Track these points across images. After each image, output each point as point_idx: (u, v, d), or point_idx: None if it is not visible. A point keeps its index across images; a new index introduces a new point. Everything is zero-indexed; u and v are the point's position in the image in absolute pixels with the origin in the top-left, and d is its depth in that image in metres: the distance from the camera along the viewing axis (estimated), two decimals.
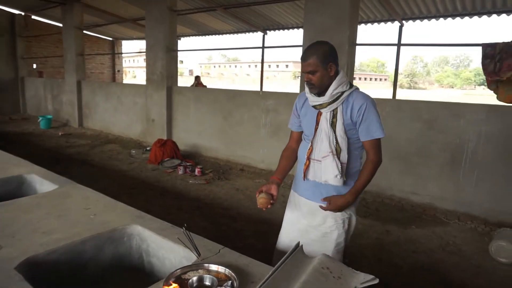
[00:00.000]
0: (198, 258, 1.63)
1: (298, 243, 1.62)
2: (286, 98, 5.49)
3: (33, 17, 12.50)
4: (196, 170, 5.63)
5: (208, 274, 1.46)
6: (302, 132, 2.09)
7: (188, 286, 1.38)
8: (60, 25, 10.52)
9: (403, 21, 7.49)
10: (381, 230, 3.75)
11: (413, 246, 3.42)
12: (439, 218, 4.10)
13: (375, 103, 1.88)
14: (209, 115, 6.63)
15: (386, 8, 6.97)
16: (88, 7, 9.84)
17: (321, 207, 1.93)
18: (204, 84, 11.78)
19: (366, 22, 8.07)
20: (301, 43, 5.15)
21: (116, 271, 1.98)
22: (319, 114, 1.90)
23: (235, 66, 68.99)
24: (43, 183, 2.77)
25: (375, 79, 67.93)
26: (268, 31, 9.86)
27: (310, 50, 1.84)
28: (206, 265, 1.52)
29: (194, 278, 1.42)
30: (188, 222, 2.33)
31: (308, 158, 1.94)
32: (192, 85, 11.02)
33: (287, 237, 2.14)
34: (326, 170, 1.87)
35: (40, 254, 1.66)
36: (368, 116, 1.82)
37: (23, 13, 12.20)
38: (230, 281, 1.42)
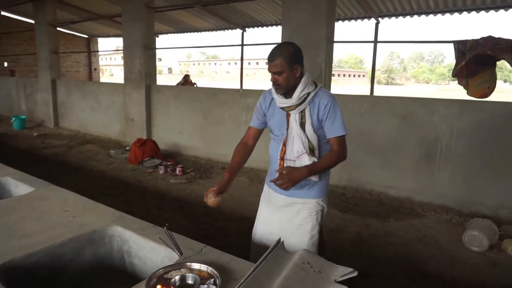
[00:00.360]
0: (180, 257, 1.63)
1: (279, 239, 1.66)
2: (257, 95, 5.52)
3: (3, 13, 12.04)
4: (177, 169, 5.59)
5: (191, 273, 1.47)
6: (260, 129, 2.17)
7: (170, 286, 1.39)
8: (32, 21, 10.18)
9: (379, 18, 7.64)
10: (360, 224, 3.84)
11: (392, 239, 3.52)
12: (416, 210, 4.23)
13: (338, 102, 1.97)
14: (189, 114, 6.58)
15: (362, 5, 7.09)
16: (62, 3, 9.57)
17: (274, 180, 1.91)
18: (194, 82, 11.40)
19: (343, 19, 8.19)
20: (279, 41, 5.18)
21: (98, 273, 1.96)
22: (288, 115, 1.97)
23: (215, 63, 68.57)
24: (18, 185, 2.70)
25: (354, 75, 68.91)
26: (247, 29, 9.86)
27: (276, 51, 1.88)
28: (188, 264, 1.53)
29: (177, 277, 1.42)
30: (170, 222, 2.32)
31: (282, 159, 2.01)
32: (178, 84, 10.77)
33: (264, 230, 2.21)
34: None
35: (17, 258, 1.62)
36: (333, 114, 1.91)
37: None
38: (213, 279, 1.43)
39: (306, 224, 2.06)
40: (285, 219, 2.11)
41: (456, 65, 3.97)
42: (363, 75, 68.45)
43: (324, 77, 4.73)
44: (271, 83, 1.97)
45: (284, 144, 2.00)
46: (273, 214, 2.17)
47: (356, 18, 8.04)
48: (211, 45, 18.61)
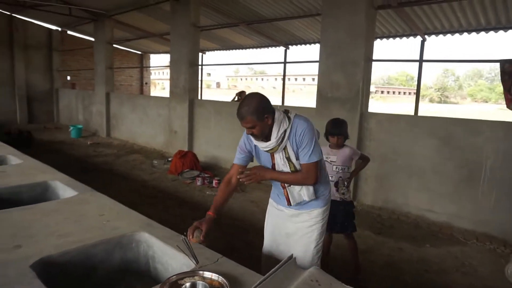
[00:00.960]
0: (196, 265, 1.72)
1: (292, 255, 1.69)
2: (303, 112, 5.55)
3: (69, 32, 13.28)
4: (214, 181, 5.76)
5: (202, 281, 1.54)
6: (244, 165, 2.24)
7: None
8: (92, 39, 11.12)
9: (426, 36, 7.43)
10: (393, 247, 3.71)
11: (426, 265, 3.37)
12: (456, 237, 4.00)
13: (311, 127, 2.05)
14: (228, 128, 6.78)
15: (407, 23, 6.95)
16: (119, 23, 10.37)
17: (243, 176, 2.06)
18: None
19: (388, 37, 8.06)
20: (318, 58, 5.22)
21: (125, 275, 2.10)
22: (272, 156, 2.09)
23: (262, 79, 69.66)
24: (65, 189, 2.97)
25: (404, 92, 66.50)
26: (290, 46, 10.01)
27: (243, 110, 1.93)
28: (201, 272, 1.60)
29: (188, 284, 1.51)
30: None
31: (284, 186, 2.16)
32: (232, 100, 11.03)
33: (272, 242, 2.32)
34: (297, 193, 2.14)
35: (54, 254, 1.80)
36: (304, 141, 2.01)
37: (59, 29, 13.00)
38: None
39: (312, 232, 2.19)
40: (292, 228, 2.22)
41: (505, 89, 3.77)
42: (414, 93, 65.79)
43: (361, 95, 4.70)
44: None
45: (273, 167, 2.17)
46: (280, 225, 2.27)
47: (401, 36, 7.89)
48: (253, 63, 19.10)
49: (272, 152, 2.08)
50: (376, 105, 41.81)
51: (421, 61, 6.86)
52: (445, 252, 3.63)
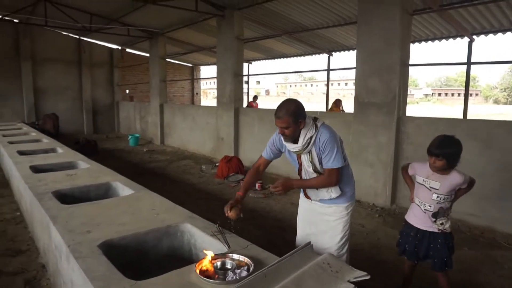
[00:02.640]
0: (227, 250, 2.03)
1: (309, 242, 1.94)
2: (341, 117, 5.71)
3: (127, 50, 14.52)
4: (257, 185, 6.07)
5: (231, 261, 1.85)
6: (270, 160, 2.57)
7: (213, 268, 1.78)
8: (148, 55, 12.09)
9: (474, 36, 7.20)
10: None
11: (461, 266, 3.36)
12: (498, 242, 3.92)
13: (335, 137, 2.28)
14: (271, 134, 7.06)
15: (452, 24, 6.81)
16: (171, 39, 11.20)
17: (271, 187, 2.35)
18: (257, 103, 12.47)
19: (433, 39, 7.91)
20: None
21: (172, 261, 2.46)
22: (299, 156, 2.39)
23: (311, 85, 69.36)
24: (124, 188, 3.45)
25: (464, 94, 62.22)
26: (333, 53, 10.13)
27: (283, 111, 2.23)
28: (231, 254, 1.91)
29: (218, 262, 1.82)
30: (242, 231, 2.71)
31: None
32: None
33: (303, 232, 2.63)
34: (325, 192, 2.40)
35: (115, 238, 2.22)
36: (326, 149, 2.25)
37: (119, 47, 14.27)
38: (247, 267, 1.79)
39: (338, 225, 2.45)
40: (320, 220, 2.50)
41: None
42: (476, 94, 61.46)
43: (398, 99, 4.76)
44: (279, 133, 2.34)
45: (299, 174, 2.49)
46: (310, 218, 2.56)
47: (447, 38, 7.71)
48: (295, 71, 19.37)
49: (298, 154, 2.37)
50: (432, 108, 39.78)
51: (469, 63, 6.69)
52: (483, 256, 3.59)
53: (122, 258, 2.18)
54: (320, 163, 2.31)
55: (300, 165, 2.42)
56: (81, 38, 13.22)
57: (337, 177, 2.31)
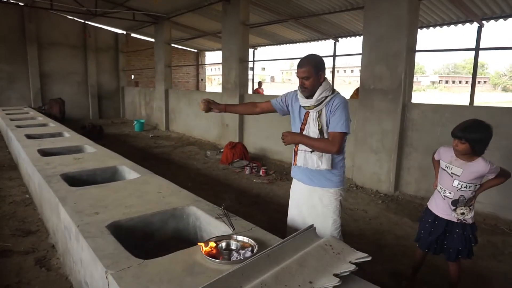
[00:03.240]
0: (232, 231, 2.07)
1: (312, 225, 1.97)
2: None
3: (132, 35, 14.45)
4: (261, 170, 6.13)
5: (236, 242, 1.89)
6: (272, 109, 2.61)
7: (218, 249, 1.83)
8: (153, 40, 12.04)
9: (483, 22, 7.07)
10: None
11: None
12: (501, 228, 3.95)
13: (347, 105, 2.29)
14: (276, 120, 7.08)
15: (460, 9, 6.69)
16: (176, 24, 11.12)
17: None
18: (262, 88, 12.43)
19: (441, 25, 7.79)
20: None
21: (177, 242, 2.52)
22: (307, 113, 2.35)
23: None
24: (130, 172, 3.51)
25: (471, 81, 61.37)
26: (339, 38, 10.02)
27: (306, 60, 2.28)
28: (235, 236, 1.96)
29: (223, 243, 1.87)
30: (246, 215, 2.76)
31: (296, 151, 2.41)
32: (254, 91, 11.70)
33: (295, 216, 2.61)
34: (317, 160, 2.31)
35: (122, 220, 2.27)
36: (337, 112, 2.24)
37: (124, 32, 14.20)
38: (251, 248, 1.83)
39: (328, 210, 2.41)
40: (310, 206, 2.48)
41: None
42: (484, 81, 60.61)
43: (404, 86, 4.73)
44: (298, 86, 2.37)
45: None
46: (301, 202, 2.54)
47: (455, 23, 7.58)
48: (300, 57, 18.97)
49: (308, 110, 2.35)
50: (438, 95, 39.36)
51: (477, 49, 6.59)
52: (485, 241, 3.62)
53: (129, 239, 2.24)
54: (327, 125, 2.28)
55: (304, 124, 2.38)
56: (86, 22, 13.16)
57: (340, 144, 2.26)
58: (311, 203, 2.47)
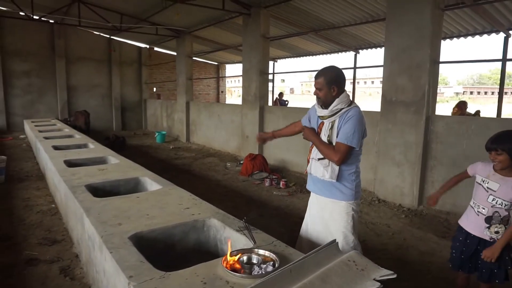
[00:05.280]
0: (253, 245, 2.06)
1: (335, 240, 1.94)
2: (367, 116, 5.61)
3: (155, 48, 14.85)
4: (281, 183, 6.09)
5: (257, 256, 1.88)
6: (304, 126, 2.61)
7: (239, 262, 1.82)
8: (175, 54, 12.32)
9: (510, 32, 6.91)
10: None
11: None
12: None
13: (361, 119, 2.31)
14: None
15: (486, 19, 6.56)
16: (197, 37, 11.37)
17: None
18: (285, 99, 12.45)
19: (465, 35, 7.64)
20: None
21: (198, 254, 2.52)
22: (321, 124, 2.39)
23: None
24: (152, 184, 3.56)
25: (498, 92, 59.49)
26: (360, 50, 9.98)
27: (321, 72, 2.36)
28: (256, 250, 1.94)
29: (245, 257, 1.86)
30: (266, 227, 2.74)
31: (309, 159, 2.48)
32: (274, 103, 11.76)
33: (308, 228, 2.64)
34: (323, 169, 2.37)
35: (144, 231, 2.30)
36: (347, 124, 2.27)
37: (147, 46, 14.61)
38: (272, 262, 1.81)
39: (337, 224, 2.41)
40: (321, 218, 2.51)
41: None
42: (511, 93, 58.62)
43: (427, 98, 4.64)
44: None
45: (311, 147, 2.49)
46: (315, 214, 2.57)
47: (481, 33, 7.42)
48: (319, 69, 18.95)
49: (322, 120, 2.41)
50: None
51: (504, 60, 6.44)
52: None
53: (150, 250, 2.26)
54: (337, 136, 2.31)
55: (318, 134, 2.44)
56: (111, 37, 13.63)
57: (343, 156, 2.27)
58: (322, 215, 2.50)
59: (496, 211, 2.25)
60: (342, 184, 2.37)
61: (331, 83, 2.31)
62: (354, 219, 2.43)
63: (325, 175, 2.35)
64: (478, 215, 2.34)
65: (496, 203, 2.25)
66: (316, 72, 2.38)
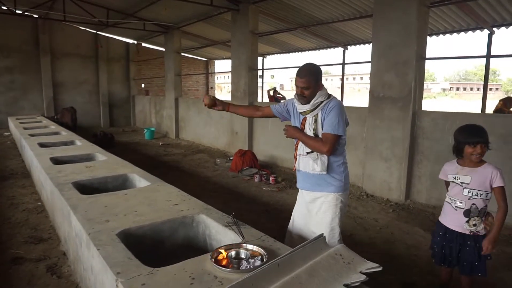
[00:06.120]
0: (242, 240, 2.07)
1: (322, 234, 1.96)
2: (356, 112, 5.67)
3: (143, 44, 14.67)
4: (271, 178, 6.11)
5: (245, 251, 1.89)
6: (271, 114, 2.68)
7: (228, 258, 1.83)
8: (163, 49, 12.20)
9: (494, 28, 7.03)
10: None
11: None
12: None
13: (342, 108, 2.36)
14: None
15: (471, 16, 6.65)
16: (186, 33, 11.27)
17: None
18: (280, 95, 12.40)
19: (451, 32, 7.75)
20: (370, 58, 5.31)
21: (186, 250, 2.52)
22: (304, 119, 2.42)
23: (326, 79, 68.71)
24: (140, 180, 3.54)
25: (483, 88, 60.52)
26: (348, 46, 10.03)
27: (306, 71, 2.34)
28: (245, 245, 1.95)
29: (233, 252, 1.87)
30: (256, 223, 2.73)
31: (295, 156, 2.50)
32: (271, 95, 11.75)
33: (297, 223, 2.67)
34: (312, 163, 2.39)
35: (132, 227, 2.29)
36: (330, 114, 2.31)
37: (135, 42, 14.43)
38: (260, 257, 1.83)
39: (326, 217, 2.45)
40: (310, 213, 2.54)
41: None
42: (496, 88, 59.76)
43: (414, 94, 4.70)
44: (296, 94, 2.43)
45: (297, 144, 2.49)
46: (303, 210, 2.61)
47: (465, 30, 7.53)
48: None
49: (305, 115, 2.43)
50: (449, 103, 38.94)
51: (488, 56, 6.56)
52: (499, 252, 3.54)
53: (139, 247, 2.25)
54: (322, 128, 2.34)
55: (302, 130, 2.45)
56: (98, 32, 13.42)
57: (332, 146, 2.30)
58: (310, 208, 2.53)
59: (473, 203, 2.31)
60: (332, 176, 2.41)
61: (318, 80, 2.35)
62: (342, 211, 2.47)
63: (315, 169, 2.37)
64: (456, 210, 2.39)
65: (472, 194, 2.31)
66: (299, 71, 2.35)
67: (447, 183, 2.56)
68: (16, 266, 2.96)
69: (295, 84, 2.37)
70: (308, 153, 2.39)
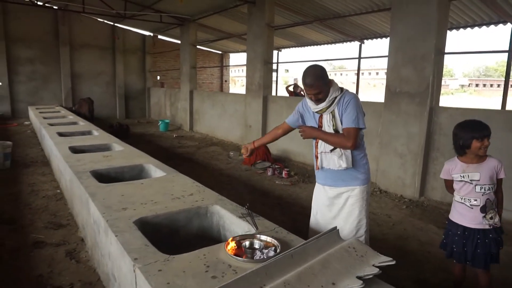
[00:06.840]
0: (256, 231, 2.10)
1: (335, 227, 1.97)
2: (371, 107, 5.61)
3: (159, 36, 14.78)
4: (283, 172, 6.13)
5: (259, 241, 1.92)
6: (291, 127, 2.64)
7: (242, 247, 1.86)
8: (179, 42, 12.27)
9: None
10: None
11: None
12: None
13: (358, 101, 2.36)
14: None
15: (493, 9, 6.47)
16: (201, 26, 11.30)
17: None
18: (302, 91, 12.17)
19: (472, 26, 7.56)
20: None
21: (201, 240, 2.57)
22: (321, 117, 2.40)
23: (340, 74, 67.98)
24: (156, 171, 3.60)
25: (504, 85, 58.87)
26: (365, 40, 9.90)
27: (312, 78, 2.28)
28: (259, 236, 1.98)
29: (247, 242, 1.90)
30: (269, 216, 2.76)
31: (317, 155, 2.46)
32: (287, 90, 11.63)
33: (321, 217, 2.63)
34: (337, 159, 2.35)
35: (148, 216, 2.35)
36: (348, 108, 2.30)
37: (151, 34, 14.54)
38: (274, 247, 1.85)
39: (354, 210, 2.46)
40: (336, 209, 2.50)
41: None
42: None
43: (431, 89, 4.63)
44: (309, 98, 2.40)
45: (318, 141, 2.45)
46: (325, 206, 2.57)
47: (487, 24, 7.34)
48: (325, 59, 18.76)
49: (321, 113, 2.41)
50: (467, 99, 38.09)
51: (511, 51, 6.37)
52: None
53: (155, 235, 2.30)
54: (342, 123, 2.33)
55: (320, 128, 2.43)
56: (115, 24, 13.57)
57: (355, 139, 2.29)
58: (336, 205, 2.50)
59: (488, 198, 2.33)
60: (356, 170, 2.42)
61: (326, 80, 2.32)
62: (367, 202, 2.50)
63: (341, 165, 2.36)
64: (472, 208, 2.37)
65: (485, 190, 2.32)
66: (306, 80, 2.29)
67: (447, 182, 2.56)
68: (37, 250, 3.07)
69: (306, 92, 2.35)
70: (331, 150, 2.37)
